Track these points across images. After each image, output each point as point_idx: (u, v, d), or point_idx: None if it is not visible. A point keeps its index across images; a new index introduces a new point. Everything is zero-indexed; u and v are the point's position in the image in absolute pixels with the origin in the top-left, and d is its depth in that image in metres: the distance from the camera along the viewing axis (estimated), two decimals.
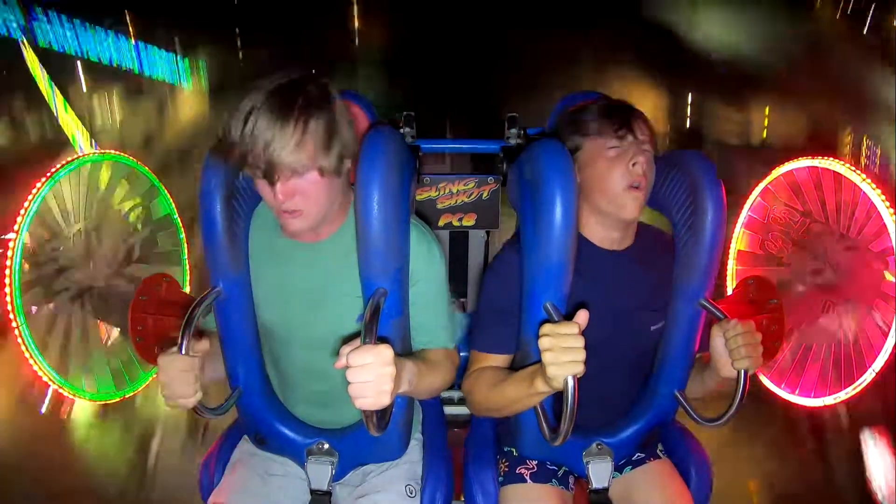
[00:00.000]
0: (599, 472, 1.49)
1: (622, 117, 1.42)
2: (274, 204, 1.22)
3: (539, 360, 1.15)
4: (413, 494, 1.46)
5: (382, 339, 1.12)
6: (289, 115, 1.14)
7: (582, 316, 1.14)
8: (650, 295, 1.46)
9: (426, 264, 1.35)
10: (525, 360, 1.36)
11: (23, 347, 1.79)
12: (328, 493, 1.46)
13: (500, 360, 1.43)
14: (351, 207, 1.35)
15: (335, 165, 1.22)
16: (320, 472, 1.45)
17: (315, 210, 1.25)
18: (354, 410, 1.10)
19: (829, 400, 2.06)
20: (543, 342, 1.12)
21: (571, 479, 1.55)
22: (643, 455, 1.56)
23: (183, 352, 1.17)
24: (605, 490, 1.50)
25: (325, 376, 1.39)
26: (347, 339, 1.12)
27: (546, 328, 1.13)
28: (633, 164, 1.37)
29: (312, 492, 1.46)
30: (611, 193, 1.38)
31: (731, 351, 1.30)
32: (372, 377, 1.05)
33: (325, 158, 1.19)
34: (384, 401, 1.07)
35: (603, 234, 1.45)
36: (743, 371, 1.29)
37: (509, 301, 1.39)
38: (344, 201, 1.36)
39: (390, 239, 1.22)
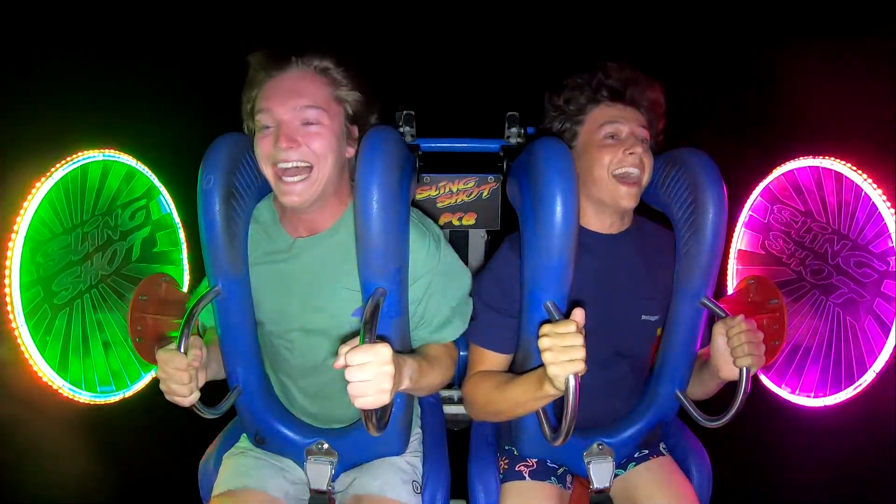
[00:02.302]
0: (600, 472, 1.48)
1: (617, 89, 1.42)
2: (273, 155, 1.23)
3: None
4: (417, 491, 1.46)
5: (381, 339, 1.12)
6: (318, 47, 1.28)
7: (578, 314, 1.14)
8: (641, 282, 1.45)
9: (426, 261, 1.34)
10: (526, 359, 1.35)
11: (22, 348, 1.79)
12: (327, 493, 1.46)
13: (499, 359, 1.43)
14: (349, 203, 1.35)
15: (339, 115, 1.28)
16: (320, 471, 1.45)
17: (316, 166, 1.25)
18: (351, 410, 1.10)
19: (829, 400, 2.05)
20: (542, 342, 1.12)
21: (569, 478, 1.55)
22: (646, 451, 1.55)
23: (182, 350, 1.17)
24: (607, 490, 1.50)
25: (322, 372, 1.39)
26: (345, 337, 1.12)
27: (545, 328, 1.13)
28: (630, 154, 1.37)
29: (312, 491, 1.46)
30: (605, 182, 1.39)
31: (733, 349, 1.30)
32: (371, 376, 1.04)
33: (331, 100, 1.27)
34: (384, 399, 1.07)
35: (598, 220, 1.46)
36: (745, 369, 1.29)
37: (507, 300, 1.39)
38: (342, 192, 1.36)
39: (390, 239, 1.22)
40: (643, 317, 1.46)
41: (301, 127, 1.24)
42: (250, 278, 1.36)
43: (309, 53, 1.27)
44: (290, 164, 1.24)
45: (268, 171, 1.27)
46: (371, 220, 1.19)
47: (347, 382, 1.05)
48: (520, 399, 1.29)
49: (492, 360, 1.43)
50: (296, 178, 1.24)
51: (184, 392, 1.18)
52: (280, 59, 1.27)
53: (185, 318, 1.21)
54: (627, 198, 1.39)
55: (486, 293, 1.44)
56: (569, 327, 1.12)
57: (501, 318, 1.41)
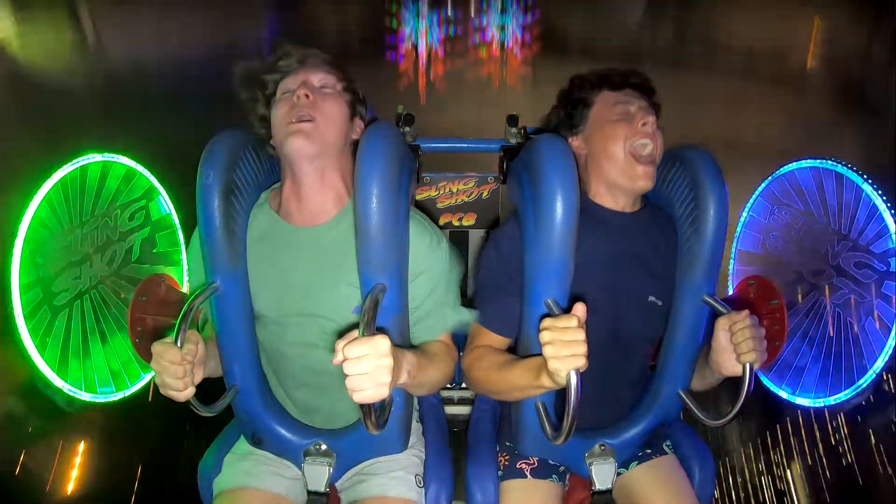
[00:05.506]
0: (602, 473, 1.47)
1: (624, 75, 1.47)
2: (290, 111, 1.32)
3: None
4: (420, 485, 1.46)
5: (380, 331, 1.11)
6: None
7: (580, 309, 1.13)
8: (650, 262, 1.45)
9: (426, 258, 1.34)
10: (527, 355, 1.35)
11: (22, 348, 1.79)
12: (326, 494, 1.45)
13: (499, 341, 1.42)
14: (352, 195, 1.35)
15: (349, 97, 1.41)
16: (318, 472, 1.44)
17: (323, 125, 1.32)
18: (351, 406, 1.09)
19: (829, 400, 2.06)
20: (544, 336, 1.11)
21: (568, 476, 1.54)
22: (649, 451, 1.54)
23: (178, 344, 1.16)
24: (609, 491, 1.49)
25: (320, 369, 1.38)
26: (343, 332, 1.11)
27: (546, 322, 1.12)
28: (644, 124, 1.38)
29: (309, 493, 1.45)
30: (622, 160, 1.39)
31: (737, 345, 1.29)
32: (369, 369, 1.03)
33: (345, 82, 1.42)
34: (383, 393, 1.06)
35: (612, 199, 1.46)
36: (748, 366, 1.28)
37: (510, 276, 1.39)
38: (344, 174, 1.38)
39: (389, 235, 1.22)
40: (650, 297, 1.45)
41: (319, 89, 1.37)
42: (249, 269, 1.36)
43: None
44: (303, 113, 1.31)
45: (280, 131, 1.33)
46: (370, 213, 1.19)
47: (346, 376, 1.04)
48: (517, 384, 1.29)
49: (492, 339, 1.43)
50: (305, 119, 1.31)
51: (178, 386, 1.17)
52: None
53: (182, 313, 1.20)
54: (644, 177, 1.39)
55: (489, 272, 1.44)
56: (570, 322, 1.11)
57: (504, 299, 1.40)
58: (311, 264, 1.35)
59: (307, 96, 1.32)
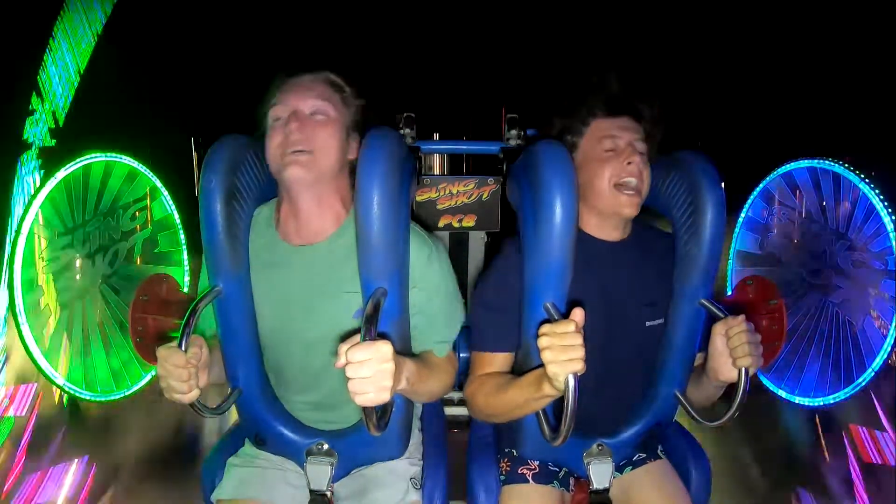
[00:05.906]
0: (600, 472, 1.48)
1: (619, 101, 1.44)
2: (283, 142, 1.30)
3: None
4: (417, 487, 1.47)
5: (382, 336, 1.12)
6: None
7: (578, 314, 1.14)
8: (643, 288, 1.45)
9: (425, 270, 1.35)
10: (526, 360, 1.36)
11: (23, 347, 1.80)
12: (327, 494, 1.46)
13: (502, 358, 1.43)
14: (350, 212, 1.36)
15: (345, 117, 1.36)
16: (320, 472, 1.45)
17: (320, 154, 1.30)
18: (354, 410, 1.10)
19: (828, 399, 2.06)
20: (542, 341, 1.12)
21: (571, 481, 1.55)
22: (644, 455, 1.56)
23: (183, 348, 1.17)
24: (606, 490, 1.50)
25: (323, 376, 1.39)
26: (345, 336, 1.12)
27: (544, 328, 1.13)
28: (629, 164, 1.38)
29: (312, 492, 1.46)
30: (607, 194, 1.40)
31: (732, 349, 1.30)
32: (371, 373, 1.05)
33: (339, 102, 1.36)
34: (384, 397, 1.07)
35: (599, 228, 1.46)
36: (744, 370, 1.29)
37: (510, 298, 1.39)
38: (343, 194, 1.38)
39: (390, 239, 1.22)
40: (647, 323, 1.46)
41: (310, 116, 1.32)
42: (251, 275, 1.37)
43: (319, 70, 1.39)
44: (297, 147, 1.29)
45: (275, 160, 1.31)
46: (372, 219, 1.20)
47: (348, 380, 1.05)
48: (518, 401, 1.30)
49: (494, 361, 1.43)
50: (301, 151, 1.29)
51: (182, 389, 1.18)
52: (296, 71, 1.38)
53: (186, 317, 1.21)
54: (629, 206, 1.40)
55: (487, 294, 1.45)
56: (568, 327, 1.12)
57: (503, 317, 1.41)
58: (311, 278, 1.36)
59: (299, 129, 1.29)
